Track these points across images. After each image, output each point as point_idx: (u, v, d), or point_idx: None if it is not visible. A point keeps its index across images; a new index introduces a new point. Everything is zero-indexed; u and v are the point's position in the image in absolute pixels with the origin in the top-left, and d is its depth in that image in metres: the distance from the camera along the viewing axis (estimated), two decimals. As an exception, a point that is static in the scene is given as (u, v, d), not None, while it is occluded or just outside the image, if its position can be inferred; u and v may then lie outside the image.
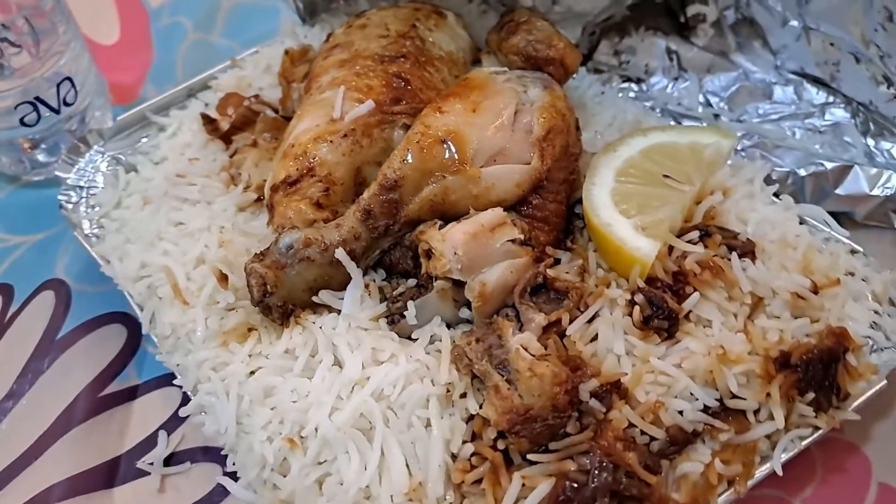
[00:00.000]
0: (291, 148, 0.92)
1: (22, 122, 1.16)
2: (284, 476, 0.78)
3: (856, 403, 0.85)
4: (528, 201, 0.89)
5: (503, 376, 0.76)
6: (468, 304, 0.84)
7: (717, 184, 0.95)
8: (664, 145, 0.96)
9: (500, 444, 0.75)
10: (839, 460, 0.94)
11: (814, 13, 1.11)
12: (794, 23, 1.15)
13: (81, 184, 1.09)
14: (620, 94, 1.22)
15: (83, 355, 1.07)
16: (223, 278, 0.89)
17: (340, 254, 0.83)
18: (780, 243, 0.91)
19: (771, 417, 0.79)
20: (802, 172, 1.11)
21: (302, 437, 0.77)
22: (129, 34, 1.50)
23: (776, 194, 0.99)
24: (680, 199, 0.89)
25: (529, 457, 0.74)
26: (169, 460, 0.97)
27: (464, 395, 0.79)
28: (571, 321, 0.82)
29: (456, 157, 0.85)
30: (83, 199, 1.08)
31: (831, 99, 1.19)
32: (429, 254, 0.83)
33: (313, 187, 0.89)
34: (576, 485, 0.72)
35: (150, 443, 0.99)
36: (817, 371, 0.82)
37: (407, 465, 0.75)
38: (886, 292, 0.91)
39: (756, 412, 0.80)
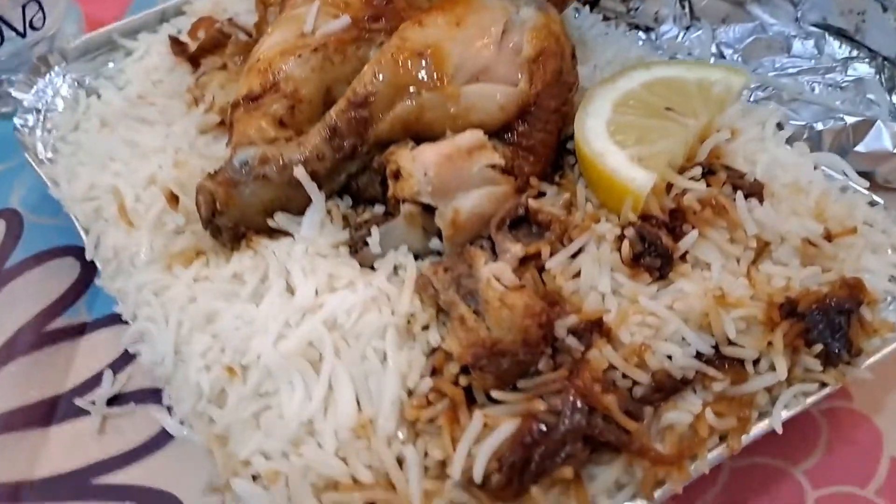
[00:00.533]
0: (257, 63, 0.84)
1: (-19, 42, 1.09)
2: (221, 409, 0.69)
3: (869, 361, 0.75)
4: (512, 128, 0.80)
5: (471, 307, 0.68)
6: (439, 235, 0.75)
7: (726, 123, 0.86)
8: (669, 79, 0.87)
9: (463, 381, 0.67)
10: (847, 431, 0.84)
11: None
12: (818, -35, 1.06)
13: (39, 106, 1.01)
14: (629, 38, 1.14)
15: (31, 287, 0.99)
16: (173, 199, 0.81)
17: (300, 173, 0.75)
18: (792, 187, 0.82)
19: (772, 369, 0.70)
20: (820, 126, 1.02)
21: (243, 366, 0.69)
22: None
23: (790, 143, 0.90)
24: (682, 133, 0.80)
25: (494, 395, 0.66)
26: (113, 401, 0.90)
27: (426, 328, 0.70)
28: (553, 255, 0.73)
29: (434, 72, 0.77)
30: (40, 123, 1.00)
31: (855, 53, 1.10)
32: (397, 175, 0.74)
33: (277, 104, 0.81)
34: (544, 427, 0.63)
35: (94, 382, 0.91)
36: (827, 322, 0.72)
37: (358, 401, 0.66)
38: (909, 248, 0.82)
39: (756, 363, 0.71)
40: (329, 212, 0.77)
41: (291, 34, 0.85)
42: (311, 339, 0.68)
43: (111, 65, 1.05)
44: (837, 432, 0.85)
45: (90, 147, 0.92)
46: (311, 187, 0.76)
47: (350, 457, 0.64)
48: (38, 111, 1.01)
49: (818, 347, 0.72)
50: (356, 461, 0.64)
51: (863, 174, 0.97)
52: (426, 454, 0.65)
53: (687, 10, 1.17)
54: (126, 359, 0.91)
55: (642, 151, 0.78)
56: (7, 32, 1.10)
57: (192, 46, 1.00)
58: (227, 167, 0.77)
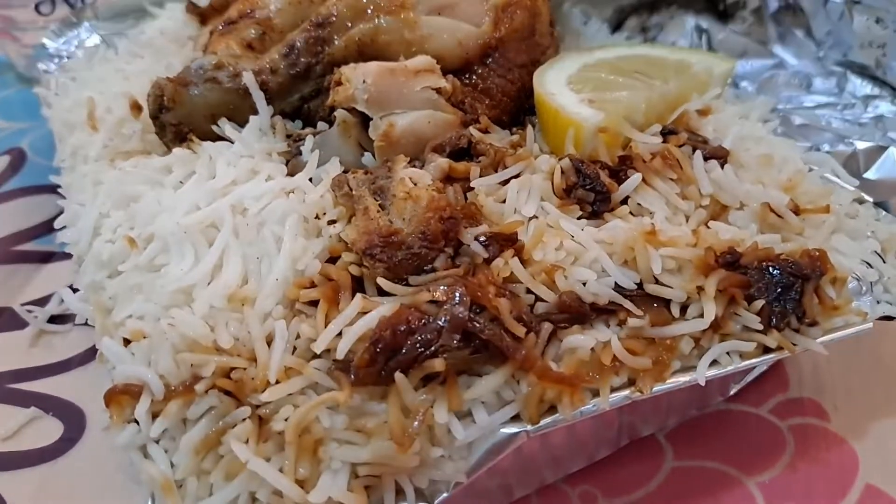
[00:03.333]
0: (241, -3, 0.87)
1: (37, 9, 1.19)
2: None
3: (826, 338, 0.66)
4: (472, 70, 0.79)
5: (378, 201, 0.65)
6: (373, 150, 0.73)
7: (703, 103, 0.81)
8: (648, 56, 0.85)
9: (354, 270, 0.63)
10: (818, 450, 0.74)
11: (857, -21, 0.99)
12: (837, -3, 1.03)
13: (63, 53, 1.08)
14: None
15: (15, 212, 1.03)
16: (136, 108, 0.83)
17: (248, 78, 0.76)
18: (762, 159, 0.76)
19: (702, 317, 0.63)
20: (826, 148, 0.96)
21: (145, 239, 0.67)
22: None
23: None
24: (645, 90, 0.77)
25: (381, 284, 0.61)
26: (55, 321, 0.89)
27: (333, 223, 0.67)
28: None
29: None
30: (58, 67, 1.06)
31: (877, 91, 1.05)
32: (339, 85, 0.74)
33: (250, 29, 0.83)
34: (425, 318, 0.58)
35: (44, 303, 0.91)
36: (776, 282, 0.65)
37: (247, 280, 0.63)
38: (894, 244, 0.74)
39: (684, 310, 0.64)
40: (273, 126, 0.77)
41: (282, -21, 0.88)
42: (214, 219, 0.66)
43: (137, 30, 1.11)
44: (806, 450, 0.74)
45: (88, 77, 0.96)
46: (257, 95, 0.76)
47: (219, 325, 0.60)
48: (61, 57, 1.07)
49: (759, 304, 0.64)
50: (223, 330, 0.60)
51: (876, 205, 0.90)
52: (298, 336, 0.60)
53: (704, 41, 1.15)
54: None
55: (597, 96, 0.75)
56: (59, 1, 1.19)
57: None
58: (185, 69, 0.78)
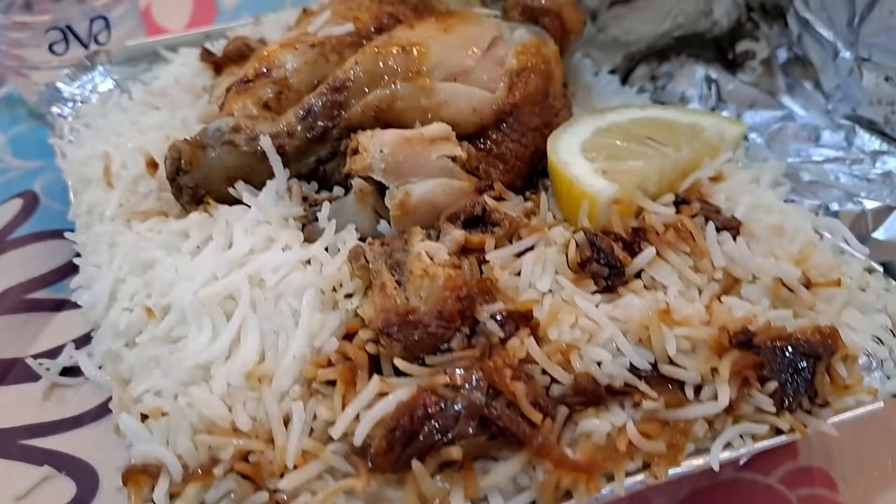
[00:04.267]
0: (258, 53, 0.88)
1: (51, 49, 1.19)
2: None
3: (838, 419, 0.67)
4: (486, 135, 0.80)
5: (395, 276, 0.65)
6: (389, 218, 0.74)
7: (714, 168, 0.82)
8: (660, 120, 0.85)
9: (371, 349, 0.63)
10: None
11: (866, 38, 1.00)
12: (847, 54, 1.04)
13: (77, 98, 1.08)
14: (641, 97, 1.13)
15: (27, 259, 1.03)
16: (152, 165, 0.83)
17: (266, 143, 0.76)
18: (774, 230, 0.76)
19: (715, 399, 0.63)
20: (836, 207, 0.97)
21: (163, 308, 0.68)
22: (193, 27, 1.55)
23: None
24: (658, 159, 0.78)
25: (398, 364, 0.61)
26: (67, 373, 0.89)
27: (350, 297, 0.68)
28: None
29: (411, 64, 0.78)
30: (73, 113, 1.07)
31: (885, 147, 1.05)
32: (356, 152, 0.74)
33: (266, 88, 0.84)
34: (441, 403, 0.58)
35: (55, 353, 0.91)
36: (787, 362, 0.65)
37: (264, 356, 0.64)
38: (906, 316, 0.74)
39: (698, 390, 0.64)
40: (290, 189, 0.78)
41: (295, 34, 0.89)
42: (231, 291, 0.67)
43: (149, 70, 1.12)
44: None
45: (103, 125, 0.97)
46: (274, 159, 0.77)
47: (236, 404, 0.60)
48: (75, 102, 1.08)
49: (772, 385, 0.64)
50: (241, 409, 0.60)
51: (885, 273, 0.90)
52: (315, 417, 0.60)
53: (714, 91, 1.16)
54: (90, 339, 0.92)
55: (610, 166, 0.75)
56: (73, 42, 1.19)
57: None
58: (202, 131, 0.79)
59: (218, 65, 1.03)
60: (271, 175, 0.77)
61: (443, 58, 0.79)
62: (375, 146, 0.72)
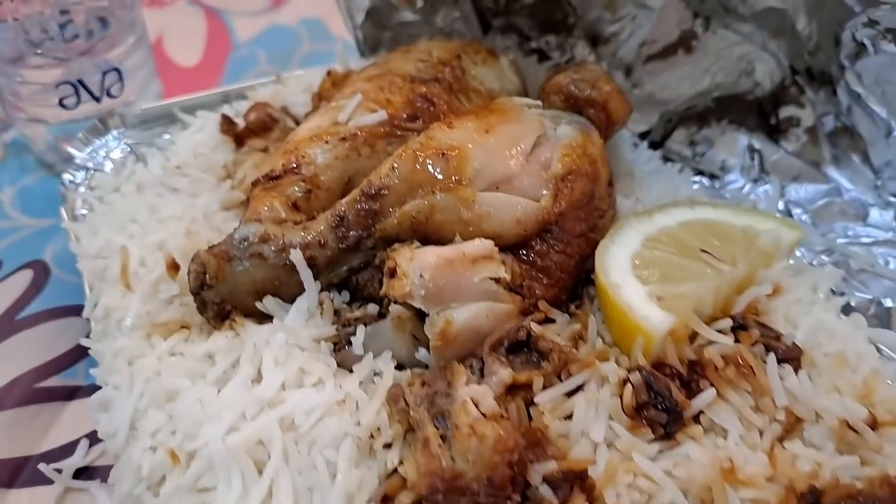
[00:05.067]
0: (285, 144, 0.83)
1: (61, 104, 1.14)
2: (157, 497, 0.63)
3: (909, 583, 0.62)
4: (530, 245, 0.75)
5: (439, 430, 0.61)
6: (429, 345, 0.69)
7: (770, 279, 0.77)
8: (712, 223, 0.80)
9: (413, 514, 0.59)
10: None
11: (925, 121, 0.95)
12: (902, 133, 0.99)
13: (89, 165, 1.03)
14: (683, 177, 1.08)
15: (37, 340, 0.98)
16: (173, 267, 0.78)
17: (296, 256, 0.72)
18: (836, 359, 0.72)
19: (782, 566, 0.59)
20: (889, 304, 0.92)
21: (188, 453, 0.63)
22: (208, 61, 1.50)
23: (846, 313, 0.80)
24: (715, 278, 0.73)
25: (444, 538, 0.57)
26: (81, 473, 0.85)
27: (389, 447, 0.63)
28: (546, 389, 0.66)
29: (452, 173, 0.73)
30: (85, 181, 1.02)
31: (938, 231, 1.00)
32: (393, 273, 0.70)
33: (295, 186, 0.79)
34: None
35: (68, 450, 0.87)
36: (858, 524, 0.61)
37: (295, 515, 0.59)
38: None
39: (763, 556, 0.60)
40: (321, 303, 0.73)
41: (326, 121, 0.84)
42: (262, 437, 0.62)
43: (167, 136, 1.07)
44: None
45: (118, 208, 0.92)
46: (305, 274, 0.72)
47: (269, 575, 0.56)
48: (88, 169, 1.03)
49: (843, 550, 0.60)
50: (273, 580, 0.56)
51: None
52: (354, 590, 0.56)
53: (756, 162, 1.11)
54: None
55: (665, 290, 0.70)
56: (84, 96, 1.14)
57: (239, 123, 1.01)
58: (227, 241, 0.74)
59: (239, 137, 0.98)
60: (301, 288, 0.72)
61: (485, 164, 0.74)
62: (415, 270, 0.68)
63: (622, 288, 0.70)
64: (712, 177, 1.12)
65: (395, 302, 0.68)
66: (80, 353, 0.96)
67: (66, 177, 1.03)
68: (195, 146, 1.01)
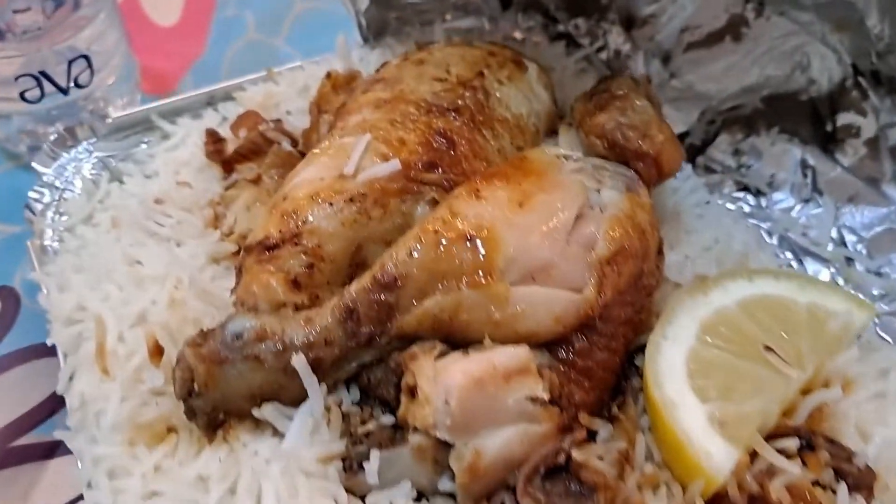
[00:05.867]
0: (283, 201, 0.71)
1: (23, 97, 1.00)
2: None
3: None
4: (569, 341, 0.65)
5: None
6: (453, 473, 0.60)
7: (837, 371, 0.68)
8: (774, 300, 0.70)
9: None
10: None
11: None
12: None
13: (57, 184, 0.91)
14: (731, 208, 0.96)
15: (9, 389, 0.88)
16: (157, 353, 0.68)
17: (299, 362, 0.62)
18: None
19: None
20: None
21: None
22: (188, 20, 1.33)
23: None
24: (781, 387, 0.64)
25: None
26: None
27: None
28: (589, 532, 0.57)
29: (481, 264, 0.62)
30: (55, 203, 0.90)
31: None
32: (413, 392, 0.60)
33: (294, 259, 0.67)
34: None
35: (52, 521, 0.79)
36: None
37: None
38: None
39: None
40: (328, 409, 0.63)
41: (330, 171, 0.72)
42: None
43: (144, 145, 0.94)
44: None
45: (95, 250, 0.81)
46: (310, 382, 0.62)
47: None
48: (56, 188, 0.90)
49: None
50: None
51: None
52: None
53: (809, 179, 0.99)
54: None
55: (727, 411, 0.61)
56: (48, 88, 1.00)
57: (231, 144, 0.88)
58: (218, 335, 0.64)
59: (227, 163, 0.86)
60: (304, 393, 0.63)
61: (519, 250, 0.63)
62: (439, 396, 0.58)
63: (678, 409, 0.61)
64: (758, 192, 1.01)
65: (416, 430, 0.59)
66: (56, 402, 0.87)
67: (32, 195, 0.91)
68: (177, 166, 0.89)
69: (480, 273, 0.62)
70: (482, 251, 0.63)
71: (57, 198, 0.90)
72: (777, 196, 0.99)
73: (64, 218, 0.88)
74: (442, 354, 0.62)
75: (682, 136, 1.05)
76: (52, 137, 0.97)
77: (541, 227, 0.64)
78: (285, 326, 0.64)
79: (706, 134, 1.05)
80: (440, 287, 0.63)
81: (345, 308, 0.64)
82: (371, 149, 0.73)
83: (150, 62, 1.22)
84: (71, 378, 0.73)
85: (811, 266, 0.92)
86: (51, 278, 0.80)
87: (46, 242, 0.86)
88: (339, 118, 0.81)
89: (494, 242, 0.63)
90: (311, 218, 0.68)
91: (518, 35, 1.10)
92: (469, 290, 0.62)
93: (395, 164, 0.71)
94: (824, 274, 0.90)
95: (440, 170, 0.73)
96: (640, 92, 0.80)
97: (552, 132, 0.86)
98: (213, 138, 0.88)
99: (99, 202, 0.88)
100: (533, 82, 0.86)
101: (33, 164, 0.92)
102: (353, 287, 0.65)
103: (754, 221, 0.97)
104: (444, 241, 0.63)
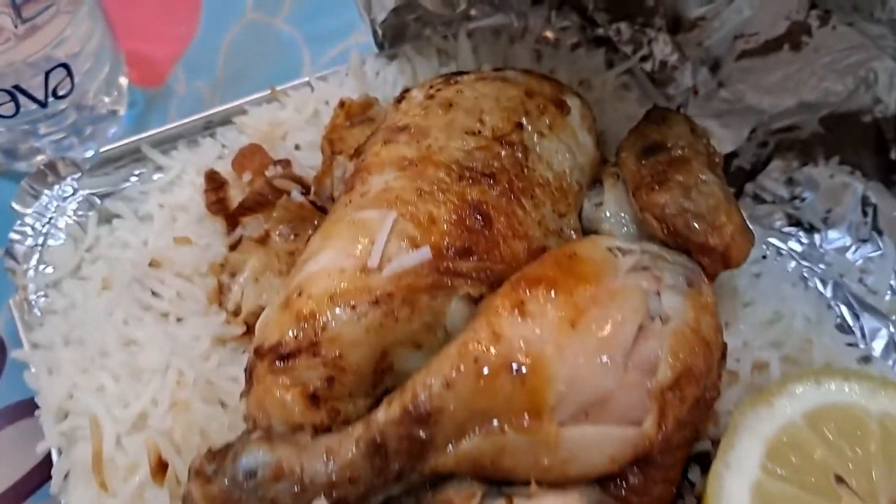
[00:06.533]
0: (297, 297, 0.62)
1: (-5, 113, 0.89)
2: None
3: None
4: (623, 476, 0.58)
5: None
6: None
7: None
8: (843, 410, 0.63)
9: None
10: None
11: None
12: None
13: (38, 226, 0.81)
14: (781, 247, 0.88)
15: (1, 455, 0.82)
16: (159, 469, 0.62)
17: (322, 506, 0.55)
18: None
19: None
20: None
21: None
22: (179, -2, 1.20)
23: None
24: (854, 524, 0.58)
25: None
26: None
27: None
28: None
29: (528, 401, 0.55)
30: (38, 249, 0.81)
31: None
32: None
33: (312, 371, 0.60)
34: None
35: None
36: None
37: None
38: None
39: None
40: (354, 550, 0.57)
41: (350, 260, 0.62)
42: None
43: (135, 178, 0.84)
44: None
45: (84, 317, 0.73)
46: (333, 527, 0.55)
47: None
48: (38, 232, 0.81)
49: None
50: None
51: None
52: None
53: (870, 218, 0.90)
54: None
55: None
56: (24, 102, 0.89)
57: (233, 184, 0.79)
58: (228, 469, 0.57)
59: (232, 218, 0.76)
60: (327, 530, 0.56)
61: (572, 383, 0.55)
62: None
63: (745, 566, 0.55)
64: (811, 228, 0.92)
65: None
66: (46, 466, 0.80)
67: (14, 235, 0.81)
68: (173, 211, 0.79)
69: (527, 415, 0.54)
70: (529, 386, 0.55)
71: (40, 243, 0.81)
72: (832, 234, 0.91)
73: (48, 269, 0.79)
74: (481, 501, 0.55)
75: (729, 157, 0.96)
76: (42, 155, 0.87)
77: (596, 353, 0.56)
78: (304, 461, 0.57)
79: (757, 157, 0.95)
80: (481, 427, 0.55)
81: (371, 441, 0.57)
82: (397, 229, 0.64)
83: (136, 47, 1.10)
84: (66, 476, 0.67)
85: (868, 323, 0.84)
86: (38, 351, 0.72)
87: (31, 297, 0.78)
88: (357, 174, 0.71)
89: (544, 375, 0.55)
90: (331, 324, 0.60)
91: (550, 35, 0.98)
92: (514, 433, 0.55)
93: (424, 254, 0.62)
94: (882, 335, 0.83)
95: (475, 257, 0.64)
96: (700, 148, 0.70)
97: (597, 181, 0.77)
98: (214, 184, 0.78)
99: (87, 251, 0.79)
100: (576, 128, 0.75)
101: (13, 205, 0.82)
102: (381, 417, 0.57)
103: (806, 264, 0.89)
104: (485, 371, 0.55)
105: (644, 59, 0.96)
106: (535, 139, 0.72)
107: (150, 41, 1.13)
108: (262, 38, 1.13)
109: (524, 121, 0.72)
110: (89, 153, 0.85)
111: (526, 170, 0.70)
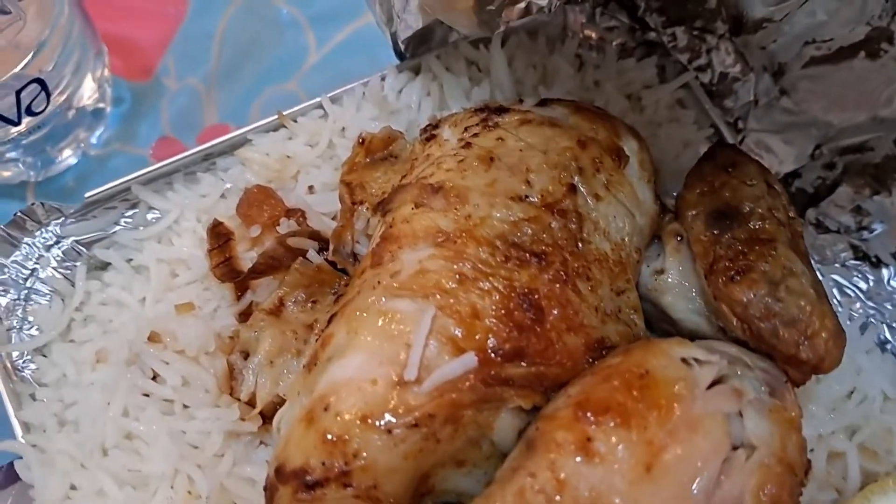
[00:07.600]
0: (324, 413, 0.54)
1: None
2: None
3: None
4: None
5: None
6: None
7: None
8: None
9: None
10: None
11: None
12: None
13: (19, 278, 0.72)
14: (844, 284, 0.80)
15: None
16: None
17: None
18: None
19: None
20: None
21: None
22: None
23: None
24: None
25: None
26: None
27: None
28: None
29: (597, 566, 0.48)
30: (20, 304, 0.72)
31: None
32: None
33: (344, 501, 0.52)
34: None
35: None
36: None
37: None
38: None
39: None
40: None
41: (383, 370, 0.54)
42: None
43: (126, 222, 0.74)
44: None
45: (78, 396, 0.65)
46: None
47: None
48: (21, 285, 0.72)
49: None
50: None
51: None
52: None
53: (945, 262, 0.81)
54: None
55: None
56: (-1, 125, 0.78)
57: (238, 233, 0.69)
58: None
59: (242, 285, 0.67)
60: None
61: (646, 541, 0.48)
62: None
63: None
64: (877, 262, 0.83)
65: None
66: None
67: (-3, 295, 0.72)
68: (172, 265, 0.70)
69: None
70: (599, 545, 0.47)
71: (22, 297, 0.72)
72: (899, 274, 0.82)
73: (33, 331, 0.70)
74: None
75: (790, 177, 0.86)
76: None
77: (675, 501, 0.49)
78: None
79: (822, 181, 0.85)
80: (542, 589, 0.48)
81: None
82: (436, 327, 0.55)
83: (120, 31, 0.97)
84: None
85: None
86: (31, 436, 0.64)
87: (16, 360, 0.70)
88: (385, 247, 0.61)
89: (615, 531, 0.48)
90: (363, 450, 0.52)
91: (593, 35, 0.86)
92: None
93: (469, 361, 0.54)
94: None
95: (526, 360, 0.56)
96: (781, 216, 0.61)
97: (655, 238, 0.67)
98: (219, 241, 0.68)
99: (76, 310, 0.70)
100: (635, 182, 0.65)
101: (-14, 254, 0.72)
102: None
103: (873, 305, 0.81)
104: (547, 523, 0.48)
105: (701, 69, 0.84)
106: (591, 203, 0.62)
107: (136, 24, 0.99)
108: (260, 19, 1.00)
109: (577, 180, 0.62)
110: (74, 160, 0.74)
111: (581, 244, 0.61)
